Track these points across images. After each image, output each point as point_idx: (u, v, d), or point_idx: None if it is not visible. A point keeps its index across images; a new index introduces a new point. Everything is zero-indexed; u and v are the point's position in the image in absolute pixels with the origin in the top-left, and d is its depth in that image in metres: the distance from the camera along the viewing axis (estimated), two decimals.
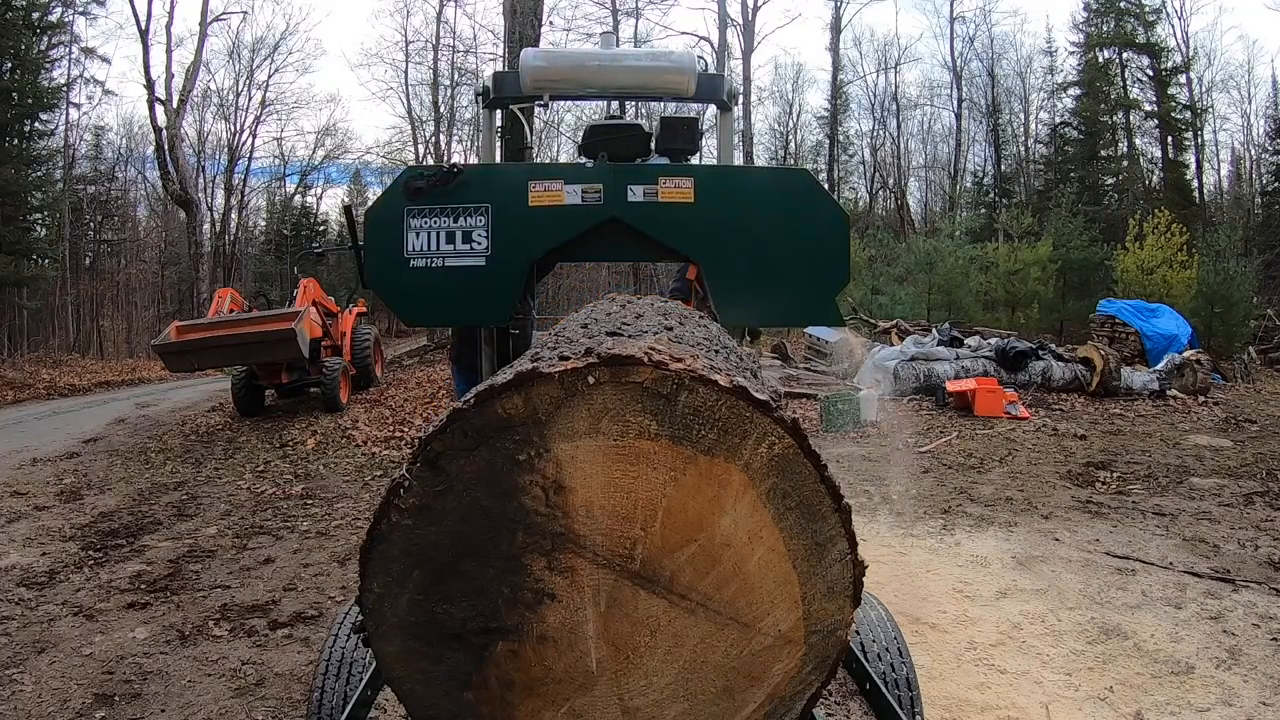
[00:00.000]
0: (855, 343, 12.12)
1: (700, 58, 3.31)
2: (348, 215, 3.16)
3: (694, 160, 3.30)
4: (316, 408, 9.17)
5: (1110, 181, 26.96)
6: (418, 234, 2.58)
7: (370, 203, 2.86)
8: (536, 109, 4.20)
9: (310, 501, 5.90)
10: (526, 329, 2.81)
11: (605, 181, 2.61)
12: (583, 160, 2.89)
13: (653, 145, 3.11)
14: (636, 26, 27.43)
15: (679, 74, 3.06)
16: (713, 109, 4.13)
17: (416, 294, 2.62)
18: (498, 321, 2.71)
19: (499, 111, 3.46)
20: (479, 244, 2.58)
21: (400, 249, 2.57)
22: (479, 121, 3.53)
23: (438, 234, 2.58)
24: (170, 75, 22.36)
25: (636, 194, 2.60)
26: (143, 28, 22.29)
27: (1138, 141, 27.15)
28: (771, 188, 2.77)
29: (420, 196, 2.58)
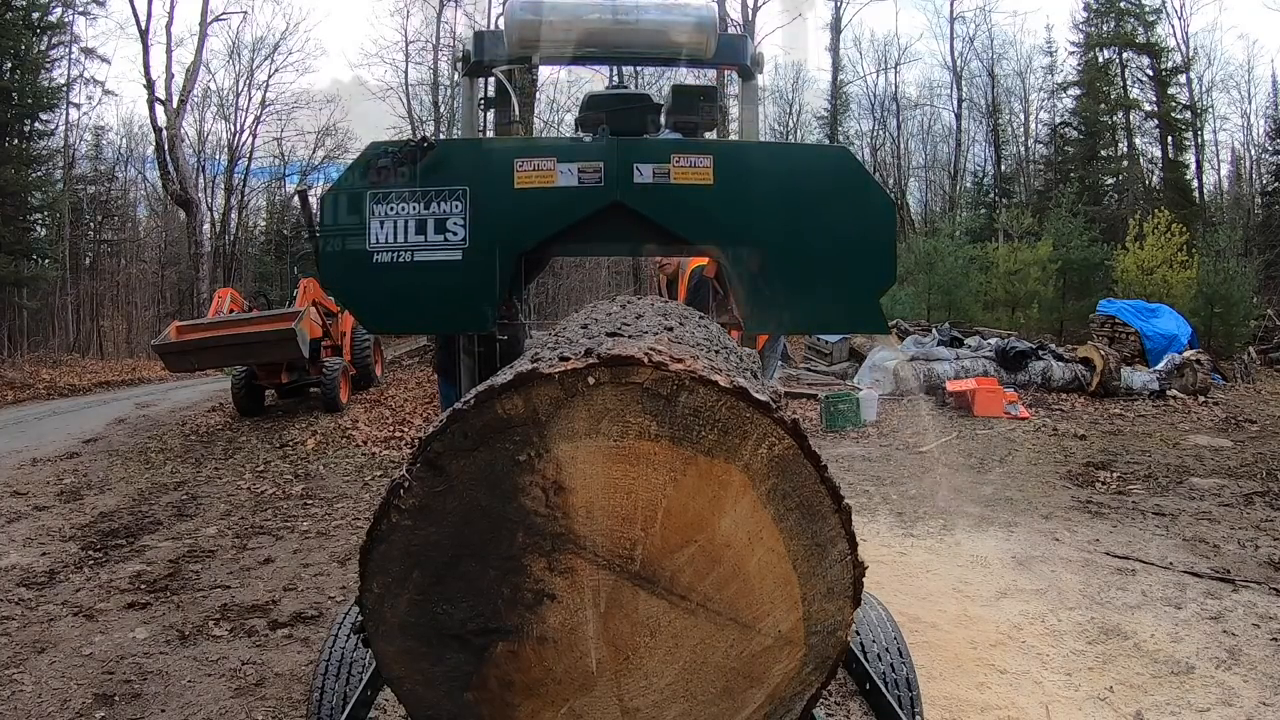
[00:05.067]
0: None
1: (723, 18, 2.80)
2: (302, 201, 2.68)
3: (711, 137, 2.90)
4: (316, 408, 9.17)
5: (1110, 181, 26.96)
6: (382, 223, 2.20)
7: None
8: (534, 79, 3.82)
9: (310, 501, 5.90)
10: (518, 335, 2.49)
11: (607, 159, 2.24)
12: (580, 135, 2.50)
13: (663, 119, 2.69)
14: None
15: (696, 32, 2.61)
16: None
17: (380, 295, 2.26)
18: (476, 327, 2.31)
19: (484, 80, 3.00)
20: (454, 235, 2.21)
21: (362, 241, 2.21)
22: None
23: (406, 223, 2.21)
24: (170, 75, 22.39)
25: (644, 174, 2.24)
26: (143, 28, 22.33)
27: (1138, 141, 27.14)
28: (806, 168, 2.35)
29: (385, 177, 2.20)
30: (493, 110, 3.01)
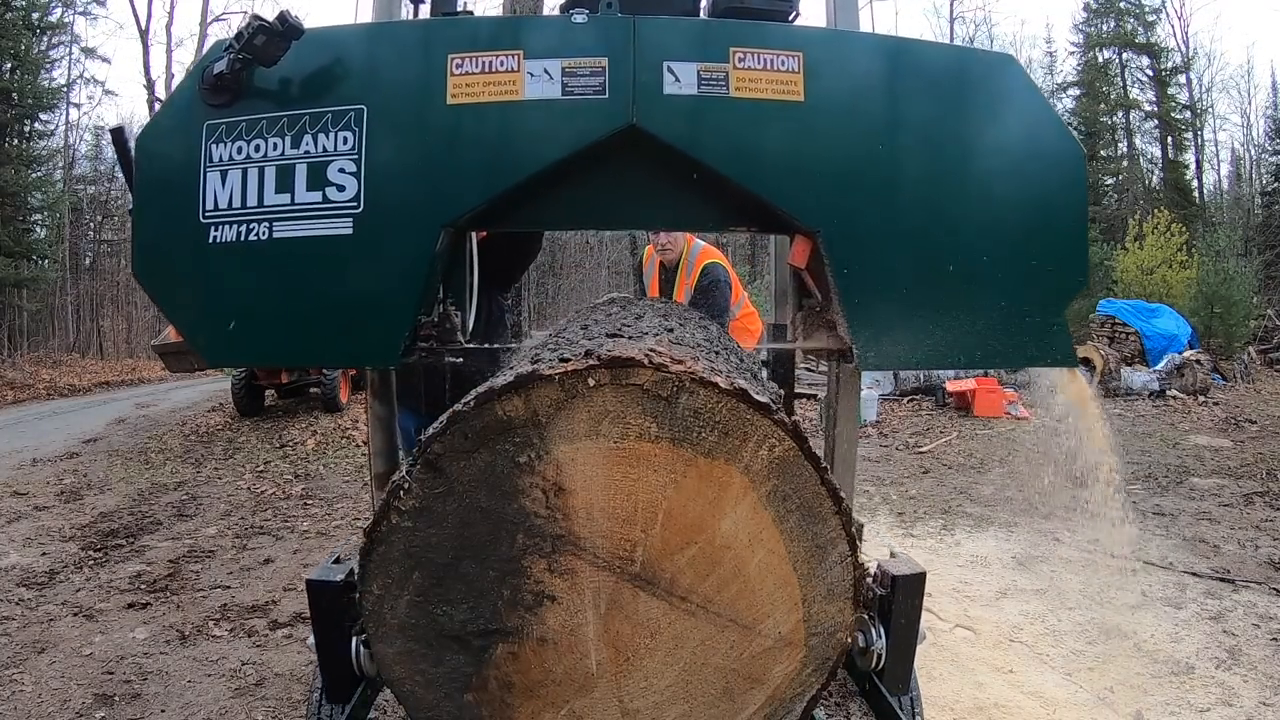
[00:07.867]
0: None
1: None
2: (118, 146, 1.54)
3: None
4: (316, 408, 9.20)
5: (1110, 181, 26.99)
6: (224, 173, 1.35)
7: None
8: None
9: (310, 501, 5.90)
10: (497, 358, 1.61)
11: (614, 52, 1.36)
12: (571, 14, 1.43)
13: (702, 2, 1.70)
14: None
15: None
16: None
17: (219, 299, 1.39)
18: (375, 360, 1.46)
19: None
20: (341, 191, 1.35)
21: (193, 204, 1.37)
22: None
23: (261, 172, 1.35)
24: (170, 75, 22.44)
25: (682, 79, 1.35)
26: (143, 28, 22.40)
27: (1138, 141, 27.22)
28: (954, 86, 1.44)
29: (228, 96, 1.35)
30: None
